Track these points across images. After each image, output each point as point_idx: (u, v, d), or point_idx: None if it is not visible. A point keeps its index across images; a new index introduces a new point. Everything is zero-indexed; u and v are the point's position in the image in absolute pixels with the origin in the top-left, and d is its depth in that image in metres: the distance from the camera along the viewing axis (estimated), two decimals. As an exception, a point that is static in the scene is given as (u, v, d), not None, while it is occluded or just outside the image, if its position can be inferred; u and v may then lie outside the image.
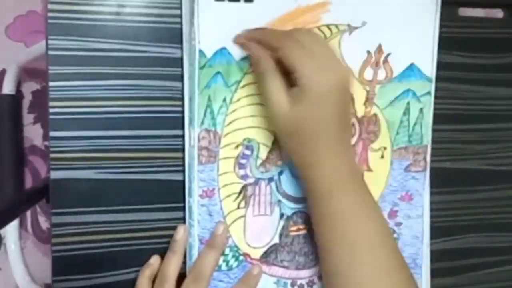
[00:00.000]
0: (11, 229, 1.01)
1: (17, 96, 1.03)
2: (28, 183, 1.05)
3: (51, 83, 0.40)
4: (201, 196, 0.43)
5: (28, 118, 1.05)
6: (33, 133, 1.05)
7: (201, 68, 0.42)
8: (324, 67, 0.38)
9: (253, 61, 0.42)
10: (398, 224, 0.48)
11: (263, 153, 0.44)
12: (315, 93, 0.37)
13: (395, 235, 0.47)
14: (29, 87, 1.05)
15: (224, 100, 0.43)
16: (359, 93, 0.46)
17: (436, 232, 0.49)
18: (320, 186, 0.39)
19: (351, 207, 0.39)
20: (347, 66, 0.41)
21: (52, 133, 0.41)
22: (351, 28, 0.45)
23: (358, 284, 0.39)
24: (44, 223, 1.05)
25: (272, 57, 0.39)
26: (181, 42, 0.43)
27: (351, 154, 0.42)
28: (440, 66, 0.49)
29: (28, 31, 1.04)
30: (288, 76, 0.39)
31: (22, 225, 1.04)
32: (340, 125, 0.39)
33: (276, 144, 0.44)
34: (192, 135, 0.42)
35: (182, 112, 0.43)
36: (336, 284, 0.40)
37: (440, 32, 0.48)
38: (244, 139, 0.43)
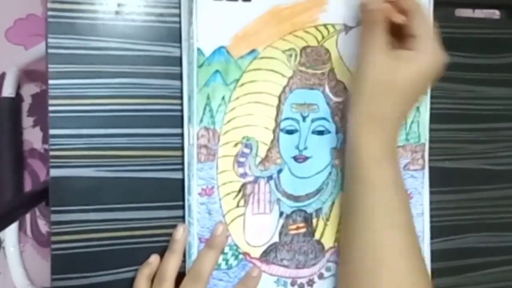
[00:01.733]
0: (10, 232, 1.01)
1: (17, 99, 1.03)
2: (28, 186, 1.05)
3: (50, 81, 0.41)
4: (200, 194, 0.43)
5: (27, 121, 1.05)
6: (32, 136, 1.05)
7: (200, 66, 0.42)
8: (440, 49, 0.41)
9: (365, 8, 0.42)
10: (398, 223, 0.48)
11: (262, 151, 0.44)
12: (426, 65, 0.40)
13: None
14: (29, 90, 1.05)
15: (223, 98, 0.43)
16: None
17: (435, 232, 0.49)
18: (373, 147, 0.41)
19: (392, 179, 0.41)
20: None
21: (52, 131, 0.41)
22: (347, 28, 0.46)
23: (377, 260, 0.39)
24: (43, 227, 1.05)
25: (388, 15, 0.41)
26: (180, 41, 0.43)
27: (397, 138, 0.43)
28: (438, 65, 0.49)
29: (28, 34, 1.05)
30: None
31: (21, 228, 1.04)
32: (416, 100, 0.43)
33: (275, 142, 0.44)
34: (191, 133, 0.43)
35: (181, 110, 0.43)
36: (353, 259, 0.41)
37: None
38: (243, 137, 0.44)
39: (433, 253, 0.48)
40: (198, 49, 0.42)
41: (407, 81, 0.40)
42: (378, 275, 0.39)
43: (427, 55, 0.40)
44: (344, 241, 0.44)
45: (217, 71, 0.43)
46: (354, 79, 0.43)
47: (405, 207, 0.41)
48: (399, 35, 0.42)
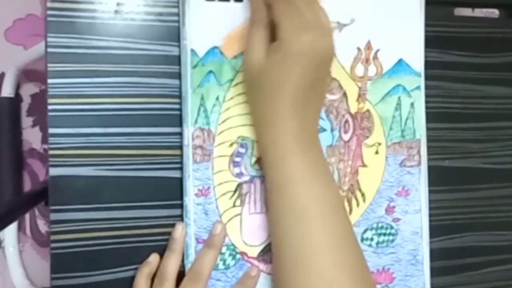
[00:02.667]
0: (10, 232, 1.01)
1: (16, 99, 1.03)
2: (27, 186, 1.05)
3: (49, 80, 0.41)
4: (196, 195, 0.43)
5: (27, 121, 1.05)
6: (31, 136, 1.05)
7: (194, 67, 0.42)
8: (307, 28, 0.37)
9: (250, 12, 0.42)
10: (396, 220, 0.48)
11: (258, 150, 0.44)
12: (290, 50, 0.37)
13: (393, 231, 0.48)
14: (28, 90, 1.05)
15: (217, 98, 0.43)
16: (351, 89, 0.46)
17: (435, 230, 0.49)
18: (274, 147, 0.39)
19: (303, 174, 0.38)
20: (332, 41, 0.40)
21: (51, 130, 0.41)
22: (340, 26, 0.46)
23: (305, 257, 0.37)
24: (43, 226, 1.05)
25: (267, 11, 0.39)
26: (178, 40, 0.43)
27: (312, 122, 0.41)
28: (436, 65, 0.49)
29: (27, 34, 1.05)
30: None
31: (20, 228, 1.04)
32: (306, 89, 0.38)
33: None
34: (186, 134, 0.43)
35: (180, 109, 0.43)
36: (284, 256, 0.39)
37: (436, 31, 0.48)
38: (238, 137, 0.44)
39: (432, 252, 0.48)
40: (192, 50, 0.42)
41: (278, 75, 0.38)
42: (298, 274, 0.38)
43: (289, 42, 0.37)
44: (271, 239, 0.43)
45: (210, 71, 0.43)
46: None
47: (320, 199, 0.39)
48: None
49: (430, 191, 0.48)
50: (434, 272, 0.48)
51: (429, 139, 0.48)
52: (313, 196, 0.38)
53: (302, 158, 0.38)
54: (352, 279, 0.38)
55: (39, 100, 1.05)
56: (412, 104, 0.48)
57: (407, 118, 0.48)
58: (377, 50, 0.46)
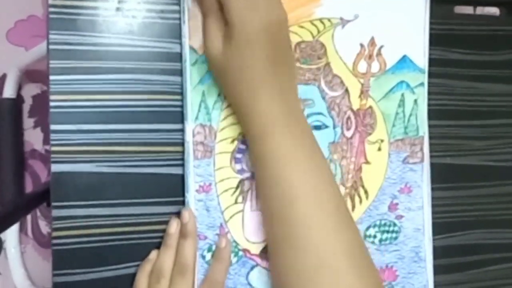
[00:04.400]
0: (11, 233, 1.01)
1: (18, 100, 1.03)
2: (29, 187, 1.05)
3: (51, 77, 0.41)
4: (197, 191, 0.43)
5: (28, 122, 1.05)
6: (33, 137, 1.05)
7: (193, 64, 0.42)
8: (254, 6, 0.36)
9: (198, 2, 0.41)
10: (399, 217, 0.47)
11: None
12: (243, 32, 0.36)
13: (396, 228, 0.47)
14: (30, 92, 1.05)
15: (219, 95, 0.43)
16: (354, 85, 0.46)
17: (437, 228, 0.49)
18: (254, 127, 0.38)
19: (287, 149, 0.38)
20: (282, 8, 0.38)
21: (53, 127, 0.41)
22: (343, 21, 0.45)
23: (296, 234, 0.37)
24: (44, 227, 1.05)
25: None
26: (180, 37, 0.43)
27: (290, 96, 0.40)
28: (437, 62, 0.49)
29: (29, 35, 1.05)
30: None
31: (22, 229, 1.04)
32: (273, 63, 0.37)
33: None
34: (187, 130, 0.43)
35: (182, 106, 0.43)
36: (275, 234, 0.38)
37: (437, 29, 0.48)
38: (240, 134, 0.44)
39: (435, 249, 0.48)
40: (191, 47, 0.42)
41: (241, 60, 0.37)
42: (290, 250, 0.37)
43: (240, 24, 0.36)
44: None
45: None
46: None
47: (305, 179, 0.38)
48: None
49: (432, 189, 0.48)
50: (436, 270, 0.48)
51: (431, 136, 0.48)
52: (300, 172, 0.38)
53: (286, 136, 0.38)
54: (347, 254, 0.37)
55: (41, 101, 1.05)
56: (415, 100, 0.47)
57: (410, 115, 0.47)
58: (381, 47, 0.46)
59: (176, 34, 0.43)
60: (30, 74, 1.04)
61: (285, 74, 0.39)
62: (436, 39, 0.49)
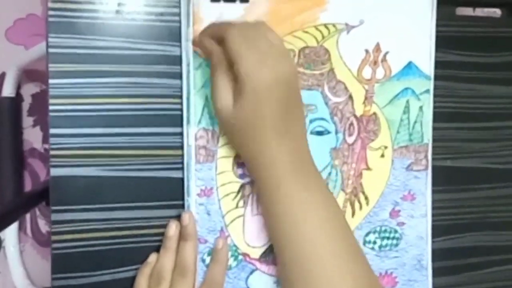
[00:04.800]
0: (11, 232, 1.01)
1: (17, 99, 1.03)
2: (28, 186, 1.05)
3: (51, 81, 0.41)
4: (199, 195, 0.43)
5: (27, 121, 1.05)
6: (32, 136, 1.05)
7: (197, 68, 0.42)
8: (264, 62, 0.37)
9: (206, 56, 0.42)
10: (401, 224, 0.47)
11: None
12: (253, 88, 0.37)
13: (397, 235, 0.47)
14: (29, 90, 1.05)
15: None
16: (358, 92, 0.46)
17: (437, 230, 0.49)
18: (266, 177, 0.39)
19: (300, 194, 0.38)
20: (291, 61, 0.40)
21: (52, 131, 0.41)
22: (348, 27, 0.45)
23: (315, 275, 0.37)
24: (43, 226, 1.05)
25: (223, 52, 0.38)
26: (180, 40, 0.43)
27: (300, 146, 0.40)
28: (438, 64, 0.49)
29: (28, 34, 1.05)
30: None
31: (21, 228, 1.04)
32: (283, 116, 0.38)
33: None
34: (190, 134, 0.42)
35: (182, 109, 0.43)
36: (293, 278, 0.39)
37: (438, 31, 0.48)
38: None
39: (434, 252, 0.48)
40: (195, 52, 0.42)
41: (251, 115, 0.37)
42: (302, 275, 0.38)
43: (249, 81, 0.37)
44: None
45: None
46: None
47: (322, 225, 0.39)
48: None
49: (432, 191, 0.48)
50: (435, 272, 0.48)
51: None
52: (313, 215, 0.38)
53: (298, 182, 0.39)
54: (356, 284, 0.38)
55: (40, 100, 1.05)
56: (420, 107, 0.47)
57: (415, 122, 0.47)
58: (386, 53, 0.46)
59: (176, 37, 0.43)
60: (30, 73, 1.04)
61: (295, 125, 0.40)
62: (437, 41, 0.49)
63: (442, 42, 0.49)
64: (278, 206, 0.39)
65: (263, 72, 0.37)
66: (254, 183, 0.42)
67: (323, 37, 0.45)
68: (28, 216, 1.04)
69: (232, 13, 0.43)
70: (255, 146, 0.39)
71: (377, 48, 0.46)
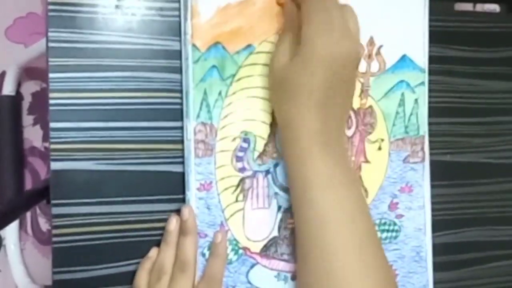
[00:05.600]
0: (11, 230, 1.01)
1: (17, 98, 1.03)
2: (28, 184, 1.05)
3: (51, 75, 0.41)
4: (198, 189, 0.43)
5: (28, 119, 1.05)
6: (32, 134, 1.05)
7: (196, 62, 0.42)
8: (329, 30, 0.37)
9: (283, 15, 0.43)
10: (400, 216, 0.47)
11: (260, 145, 0.44)
12: (309, 52, 0.37)
13: (396, 228, 0.48)
14: (29, 89, 1.05)
15: (220, 93, 0.43)
16: (353, 85, 0.46)
17: (436, 225, 0.49)
18: (293, 148, 0.39)
19: (321, 177, 0.38)
20: (358, 46, 0.40)
21: (52, 125, 0.41)
22: None
23: (328, 260, 0.37)
24: (44, 225, 1.05)
25: (297, 14, 0.39)
26: (180, 34, 0.43)
27: (335, 125, 0.40)
28: (437, 60, 0.49)
29: (28, 32, 1.05)
30: None
31: (22, 226, 1.04)
32: (328, 92, 0.38)
33: (272, 137, 0.44)
34: (189, 128, 0.43)
35: (182, 104, 0.43)
36: (308, 265, 0.38)
37: (436, 26, 0.48)
38: (241, 132, 0.44)
39: (434, 247, 0.48)
40: (194, 45, 0.42)
41: (299, 77, 0.38)
42: (330, 275, 0.37)
43: (312, 45, 0.37)
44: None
45: (213, 66, 0.43)
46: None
47: (342, 201, 0.38)
48: None
49: (432, 186, 0.48)
50: (436, 267, 0.48)
51: (430, 134, 0.48)
52: (332, 200, 0.38)
53: (321, 161, 0.38)
54: (376, 283, 0.38)
55: (40, 98, 1.05)
56: (416, 100, 0.47)
57: (410, 114, 0.47)
58: (380, 46, 0.46)
59: (176, 31, 0.43)
60: (30, 71, 1.04)
61: (337, 104, 0.39)
62: (435, 36, 0.49)
63: (441, 37, 0.50)
64: (302, 181, 0.39)
65: (325, 42, 0.37)
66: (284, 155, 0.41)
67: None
68: (28, 214, 1.05)
69: (229, 6, 0.43)
70: (291, 108, 0.39)
71: (371, 41, 0.46)
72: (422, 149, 0.48)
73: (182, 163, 0.43)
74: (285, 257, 0.45)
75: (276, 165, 0.45)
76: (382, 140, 0.47)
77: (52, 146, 0.41)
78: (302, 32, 0.38)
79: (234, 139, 0.44)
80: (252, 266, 0.45)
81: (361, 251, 0.38)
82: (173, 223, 0.42)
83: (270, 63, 0.41)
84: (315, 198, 0.38)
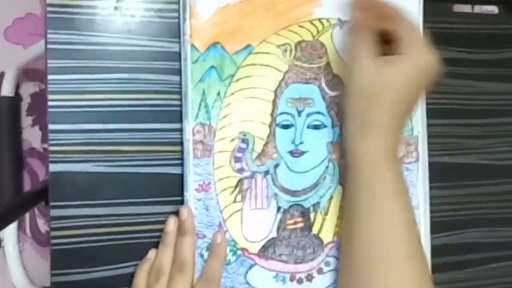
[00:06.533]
0: (10, 231, 1.01)
1: (16, 99, 1.03)
2: (27, 185, 1.05)
3: (50, 77, 0.41)
4: (197, 190, 0.43)
5: (26, 120, 1.05)
6: (31, 135, 1.05)
7: (194, 62, 0.42)
8: (429, 49, 0.40)
9: (352, 22, 0.44)
10: (395, 217, 0.48)
11: (259, 146, 0.44)
12: (416, 66, 0.40)
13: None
14: (28, 90, 1.05)
15: (218, 94, 0.43)
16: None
17: (435, 227, 0.49)
18: (368, 154, 0.40)
19: (391, 183, 0.40)
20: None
21: (51, 126, 0.41)
22: (341, 22, 0.46)
23: (382, 262, 0.39)
24: (42, 226, 1.05)
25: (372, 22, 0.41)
26: (179, 36, 0.43)
27: (400, 135, 0.43)
28: (436, 61, 0.49)
29: (27, 33, 1.05)
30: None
31: (20, 227, 1.04)
32: (408, 104, 0.41)
33: (271, 137, 0.44)
34: (187, 129, 0.43)
35: (180, 105, 0.43)
36: (359, 264, 0.40)
37: (435, 28, 0.48)
38: (240, 133, 0.44)
39: (433, 248, 0.48)
40: (192, 45, 0.42)
41: (397, 85, 0.40)
42: (383, 277, 0.39)
43: (415, 57, 0.40)
44: (345, 240, 0.44)
45: (212, 66, 0.43)
46: (345, 86, 0.44)
47: (405, 210, 0.41)
48: (387, 42, 0.42)
49: (431, 187, 0.48)
50: (434, 269, 0.48)
51: (429, 135, 0.49)
52: (396, 204, 0.40)
53: (390, 169, 0.40)
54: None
55: (39, 99, 1.05)
56: None
57: None
58: None
59: (175, 33, 0.43)
60: (28, 73, 1.04)
61: (406, 118, 0.43)
62: (434, 38, 0.49)
63: (439, 38, 0.49)
64: (366, 188, 0.41)
65: (431, 57, 0.40)
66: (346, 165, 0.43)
67: (318, 31, 0.45)
68: (27, 215, 1.04)
69: (228, 7, 0.43)
70: (373, 116, 0.40)
71: None
72: (416, 149, 0.48)
73: (180, 165, 0.43)
74: (284, 258, 0.45)
75: (276, 166, 0.45)
76: None
77: (51, 148, 0.41)
78: (402, 43, 0.40)
79: (233, 139, 0.44)
80: (251, 267, 0.45)
81: (413, 260, 0.40)
82: (171, 224, 0.42)
83: (353, 66, 0.41)
84: (384, 207, 0.40)
